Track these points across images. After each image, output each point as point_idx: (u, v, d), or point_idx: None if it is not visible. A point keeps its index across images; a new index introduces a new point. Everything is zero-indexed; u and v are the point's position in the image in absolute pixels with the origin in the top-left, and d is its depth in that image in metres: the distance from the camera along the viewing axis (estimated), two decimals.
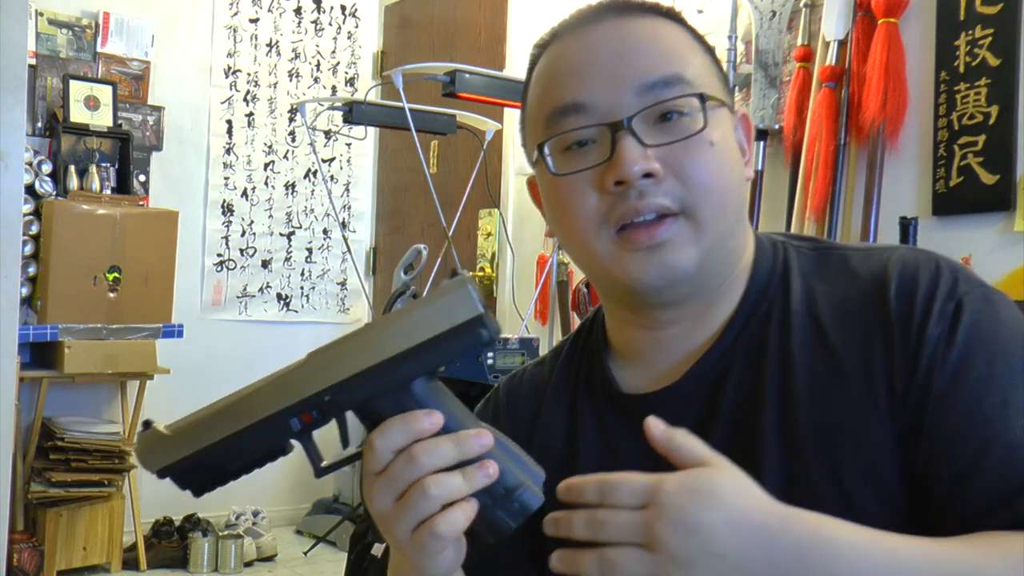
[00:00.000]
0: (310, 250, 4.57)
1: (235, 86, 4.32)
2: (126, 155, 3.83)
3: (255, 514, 3.98)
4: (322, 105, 3.61)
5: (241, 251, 4.37)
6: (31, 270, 3.51)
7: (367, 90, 4.14)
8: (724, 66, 2.89)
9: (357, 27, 4.67)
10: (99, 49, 3.93)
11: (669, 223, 0.74)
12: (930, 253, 0.77)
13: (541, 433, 0.88)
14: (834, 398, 0.73)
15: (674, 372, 0.80)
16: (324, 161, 4.57)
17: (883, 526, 0.64)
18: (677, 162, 0.74)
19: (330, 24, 4.60)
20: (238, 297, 4.36)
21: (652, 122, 0.75)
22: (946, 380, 0.69)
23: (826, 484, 0.71)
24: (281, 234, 4.48)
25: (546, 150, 0.78)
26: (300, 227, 4.53)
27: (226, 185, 4.31)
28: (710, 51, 0.82)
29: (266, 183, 4.43)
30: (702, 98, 0.75)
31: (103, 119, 3.77)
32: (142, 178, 3.99)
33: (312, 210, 4.56)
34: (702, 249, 0.75)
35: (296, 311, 4.51)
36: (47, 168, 3.63)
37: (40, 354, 3.57)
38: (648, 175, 0.73)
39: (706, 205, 0.74)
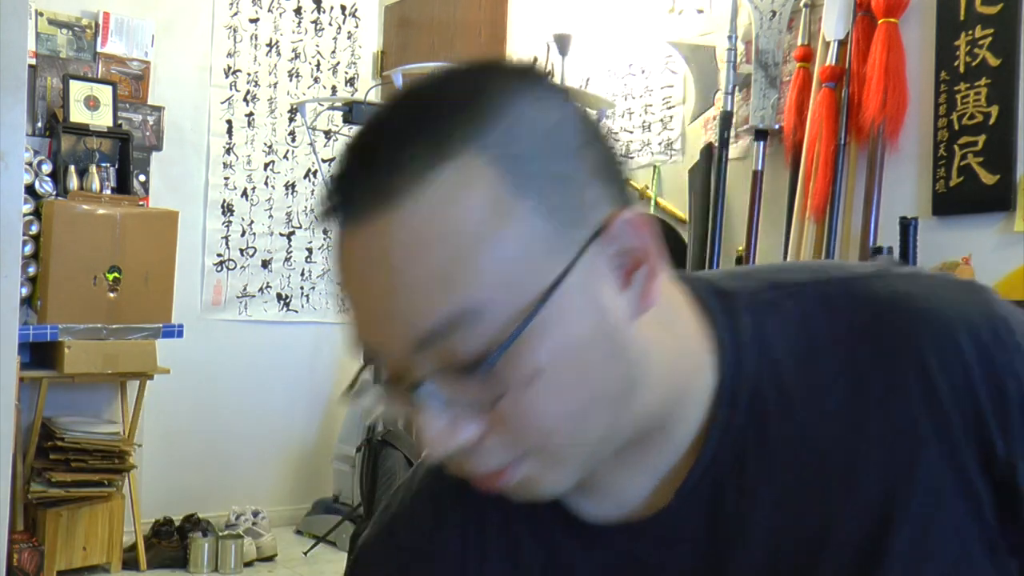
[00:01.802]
0: (310, 250, 4.57)
1: (235, 86, 4.32)
2: (126, 155, 3.83)
3: (255, 514, 3.98)
4: (322, 105, 3.61)
5: (241, 251, 4.37)
6: (31, 270, 3.51)
7: (367, 90, 4.14)
8: (723, 67, 2.86)
9: (357, 27, 4.67)
10: (99, 49, 3.92)
11: (517, 467, 0.56)
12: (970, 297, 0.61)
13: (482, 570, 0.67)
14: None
15: (651, 499, 0.63)
16: (324, 161, 4.57)
17: None
18: (500, 415, 0.54)
19: (330, 24, 4.60)
20: (238, 297, 4.36)
21: (453, 371, 0.53)
22: None
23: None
24: (281, 234, 4.48)
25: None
26: (300, 227, 4.53)
27: (226, 185, 4.31)
28: (552, 148, 0.54)
29: (266, 183, 4.43)
30: (504, 347, 0.52)
31: (103, 119, 3.77)
32: (142, 178, 3.99)
33: (312, 210, 4.56)
34: (571, 469, 0.58)
35: (296, 311, 4.51)
36: (47, 168, 3.63)
37: (40, 354, 3.57)
38: (464, 445, 0.55)
39: (555, 443, 0.56)
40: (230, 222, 4.33)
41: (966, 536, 0.56)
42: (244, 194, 4.36)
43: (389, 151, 0.53)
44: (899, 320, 0.58)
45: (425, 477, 0.70)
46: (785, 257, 2.64)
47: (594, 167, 0.55)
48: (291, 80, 4.48)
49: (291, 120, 4.47)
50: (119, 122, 3.85)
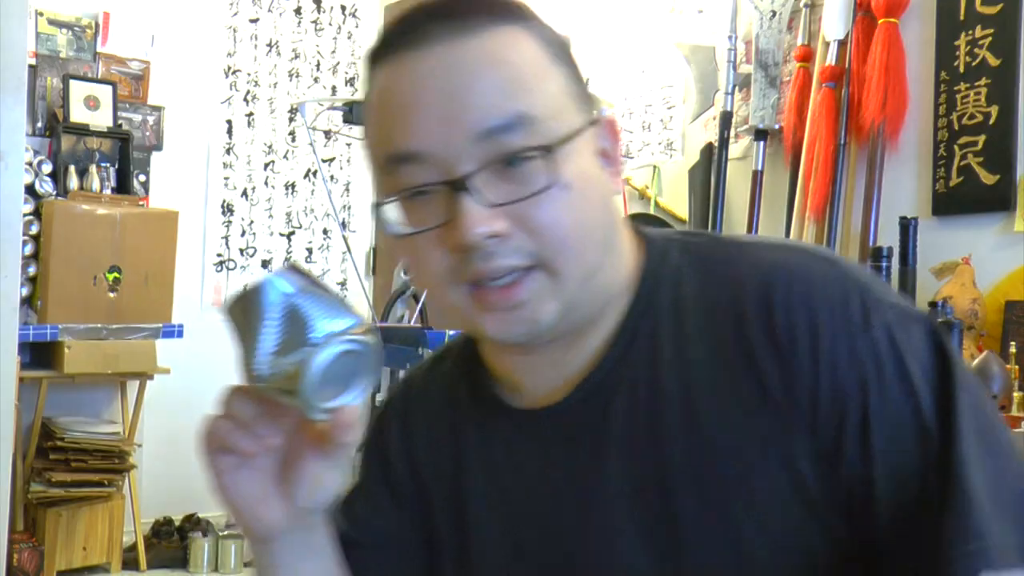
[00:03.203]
0: (310, 250, 4.57)
1: (235, 86, 4.32)
2: (126, 155, 3.83)
3: None
4: (322, 105, 3.61)
5: (241, 251, 4.37)
6: (31, 270, 3.51)
7: None
8: (723, 67, 2.87)
9: (357, 27, 4.68)
10: (99, 49, 3.93)
11: (525, 283, 0.67)
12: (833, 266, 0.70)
13: (431, 445, 0.83)
14: (741, 419, 0.67)
15: (554, 394, 0.75)
16: (324, 161, 4.57)
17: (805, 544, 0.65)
18: (526, 216, 0.66)
19: (330, 24, 4.60)
20: None
21: (496, 171, 0.66)
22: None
23: (741, 509, 0.67)
24: (281, 234, 4.48)
25: (385, 204, 0.70)
26: (300, 227, 4.53)
27: (226, 185, 4.31)
28: (565, 55, 0.71)
29: (266, 183, 4.43)
30: (548, 150, 0.66)
31: (103, 119, 3.77)
32: (142, 178, 3.99)
33: (312, 210, 4.56)
34: (563, 300, 0.68)
35: None
36: (47, 168, 3.63)
37: (40, 354, 3.56)
38: (494, 236, 0.66)
39: (563, 255, 0.67)
40: (230, 222, 4.33)
41: (774, 485, 0.66)
42: (244, 194, 4.36)
43: (460, 9, 0.68)
44: (733, 276, 0.71)
45: (396, 391, 0.88)
46: None
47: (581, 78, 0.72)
48: (291, 80, 4.49)
49: (291, 120, 4.47)
50: (119, 122, 3.85)
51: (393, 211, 0.70)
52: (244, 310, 0.62)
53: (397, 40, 0.70)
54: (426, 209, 0.68)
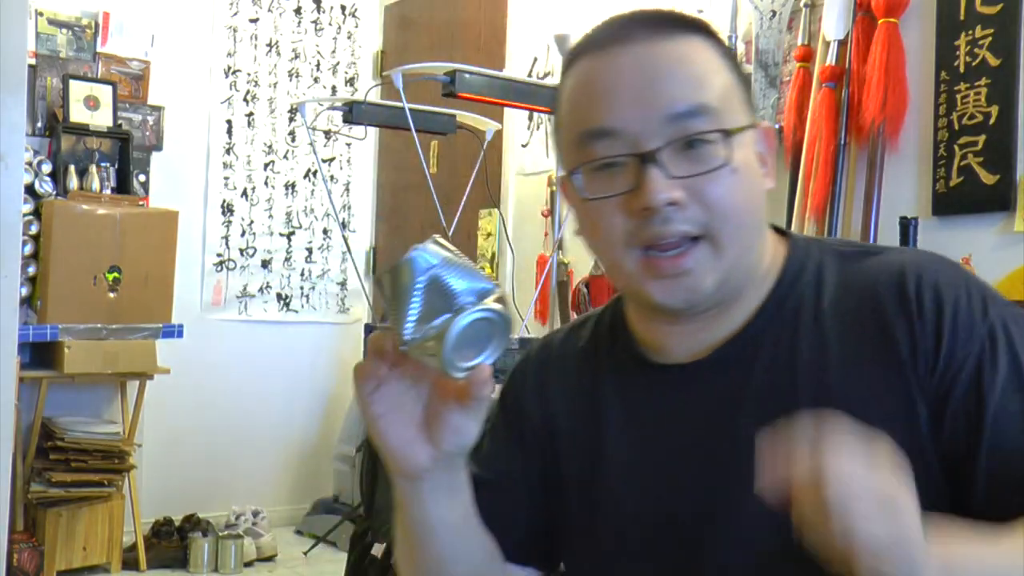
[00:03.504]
0: (310, 250, 4.57)
1: (235, 86, 4.32)
2: (126, 155, 3.83)
3: (255, 514, 3.98)
4: (322, 105, 3.61)
5: (241, 251, 4.37)
6: (31, 270, 3.51)
7: (367, 90, 4.14)
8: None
9: (357, 27, 4.67)
10: (99, 49, 3.92)
11: (692, 251, 0.79)
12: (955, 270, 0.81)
13: (570, 396, 0.94)
14: (863, 387, 0.77)
15: (699, 356, 0.85)
16: (324, 161, 4.57)
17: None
18: (700, 190, 0.78)
19: (330, 24, 4.60)
20: (238, 297, 4.36)
21: (677, 150, 0.78)
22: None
23: None
24: (281, 234, 4.48)
25: (578, 172, 0.82)
26: (300, 227, 4.53)
27: (226, 185, 4.31)
28: (736, 66, 0.85)
29: (266, 183, 4.43)
30: (726, 133, 0.79)
31: (103, 119, 3.77)
32: (142, 178, 3.99)
33: (312, 210, 4.56)
34: (723, 271, 0.80)
35: (296, 311, 4.51)
36: (47, 168, 3.63)
37: (40, 354, 3.56)
38: (672, 203, 0.77)
39: (726, 229, 0.79)
40: (230, 222, 4.33)
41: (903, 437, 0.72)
42: (244, 194, 4.36)
43: (658, 18, 0.83)
44: (870, 271, 0.82)
45: (534, 350, 1.00)
46: None
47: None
48: (291, 80, 4.49)
49: (291, 120, 4.47)
50: (119, 122, 3.85)
51: (579, 181, 0.82)
52: (393, 281, 0.68)
53: (603, 37, 0.84)
54: (612, 181, 0.80)
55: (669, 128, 0.78)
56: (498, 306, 0.69)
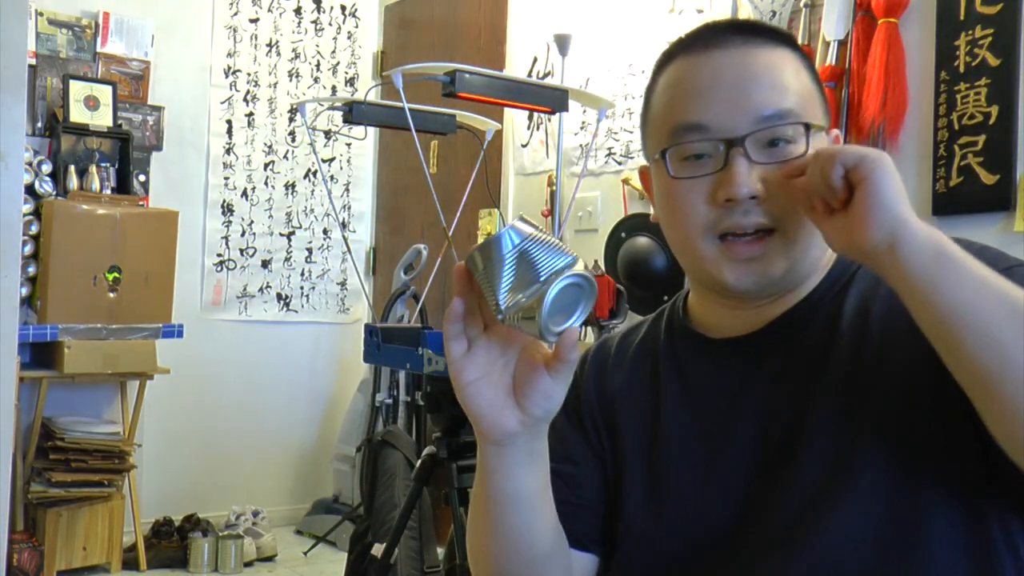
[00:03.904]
0: (310, 250, 4.57)
1: (235, 86, 4.32)
2: (126, 155, 3.83)
3: (255, 514, 3.98)
4: (322, 105, 3.60)
5: (241, 251, 4.37)
6: (31, 270, 3.51)
7: (367, 90, 4.14)
8: None
9: (357, 27, 4.68)
10: (99, 49, 3.92)
11: (766, 240, 0.86)
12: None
13: (628, 378, 1.01)
14: (901, 350, 0.82)
15: (749, 328, 0.93)
16: (324, 161, 4.57)
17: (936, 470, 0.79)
18: (773, 188, 0.84)
19: (330, 24, 4.60)
20: (238, 297, 4.36)
21: (761, 146, 0.85)
22: None
23: (885, 423, 0.81)
24: (281, 234, 4.48)
25: (668, 156, 0.89)
26: (300, 227, 4.53)
27: (226, 185, 4.31)
28: (816, 76, 0.92)
29: (266, 183, 4.43)
30: (807, 127, 0.86)
31: (103, 119, 3.77)
32: (142, 178, 3.99)
33: (312, 210, 4.56)
34: (791, 260, 0.87)
35: (296, 311, 4.51)
36: (47, 168, 3.63)
37: (40, 354, 3.57)
38: (753, 197, 0.84)
39: (797, 224, 0.85)
40: (230, 222, 4.33)
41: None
42: (244, 194, 4.36)
43: (752, 27, 0.91)
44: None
45: (591, 349, 1.07)
46: None
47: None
48: (291, 80, 4.49)
49: (291, 120, 4.47)
50: (119, 122, 3.85)
51: (669, 162, 0.89)
52: (485, 258, 0.73)
53: (700, 40, 0.90)
54: (699, 169, 0.87)
55: (755, 127, 0.85)
56: (585, 272, 0.74)
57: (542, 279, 0.72)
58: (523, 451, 0.81)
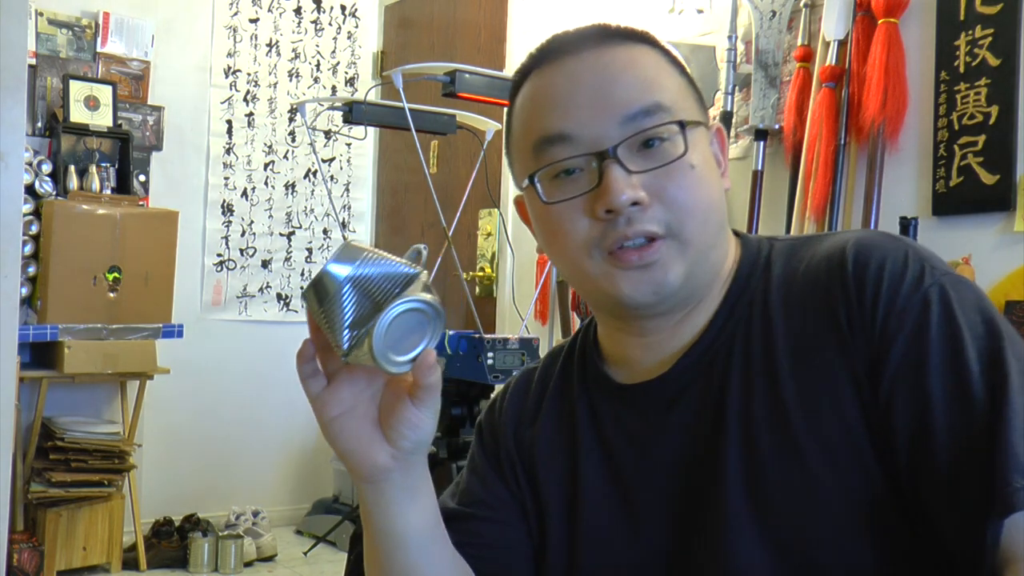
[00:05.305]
0: (310, 250, 4.57)
1: (235, 86, 4.32)
2: (126, 155, 3.83)
3: (255, 514, 3.98)
4: (322, 105, 3.61)
5: (241, 251, 4.37)
6: (31, 270, 3.51)
7: (367, 90, 4.14)
8: (723, 67, 2.88)
9: (357, 27, 4.68)
10: (99, 49, 3.93)
11: (658, 245, 0.79)
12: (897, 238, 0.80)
13: (544, 425, 0.94)
14: (812, 373, 0.77)
15: (661, 368, 0.86)
16: (324, 161, 4.57)
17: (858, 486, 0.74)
18: (661, 187, 0.78)
19: (330, 24, 4.60)
20: (238, 297, 4.36)
21: (635, 149, 0.79)
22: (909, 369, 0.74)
23: (814, 449, 0.75)
24: (281, 234, 4.48)
25: (536, 179, 0.82)
26: (300, 227, 4.53)
27: (226, 185, 4.32)
28: (684, 71, 0.87)
29: (266, 183, 4.43)
30: (682, 125, 0.80)
31: (103, 119, 3.77)
32: (142, 178, 3.99)
33: (312, 210, 4.56)
34: (688, 265, 0.80)
35: (296, 311, 4.51)
36: (47, 168, 3.63)
37: (40, 354, 3.57)
38: (635, 203, 0.78)
39: (690, 225, 0.79)
40: (230, 222, 4.33)
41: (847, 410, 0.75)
42: (244, 194, 4.36)
43: (603, 31, 0.85)
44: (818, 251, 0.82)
45: (512, 382, 1.01)
46: None
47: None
48: (291, 80, 4.49)
49: (291, 120, 4.47)
50: (119, 122, 3.86)
51: (539, 188, 0.82)
52: (317, 298, 0.69)
53: (552, 50, 0.85)
54: (572, 186, 0.80)
55: (624, 128, 0.79)
56: (421, 294, 0.68)
57: (374, 310, 0.67)
58: (399, 487, 0.77)
